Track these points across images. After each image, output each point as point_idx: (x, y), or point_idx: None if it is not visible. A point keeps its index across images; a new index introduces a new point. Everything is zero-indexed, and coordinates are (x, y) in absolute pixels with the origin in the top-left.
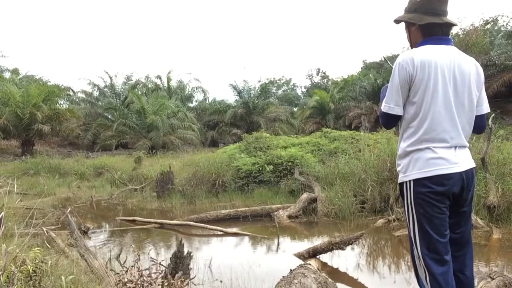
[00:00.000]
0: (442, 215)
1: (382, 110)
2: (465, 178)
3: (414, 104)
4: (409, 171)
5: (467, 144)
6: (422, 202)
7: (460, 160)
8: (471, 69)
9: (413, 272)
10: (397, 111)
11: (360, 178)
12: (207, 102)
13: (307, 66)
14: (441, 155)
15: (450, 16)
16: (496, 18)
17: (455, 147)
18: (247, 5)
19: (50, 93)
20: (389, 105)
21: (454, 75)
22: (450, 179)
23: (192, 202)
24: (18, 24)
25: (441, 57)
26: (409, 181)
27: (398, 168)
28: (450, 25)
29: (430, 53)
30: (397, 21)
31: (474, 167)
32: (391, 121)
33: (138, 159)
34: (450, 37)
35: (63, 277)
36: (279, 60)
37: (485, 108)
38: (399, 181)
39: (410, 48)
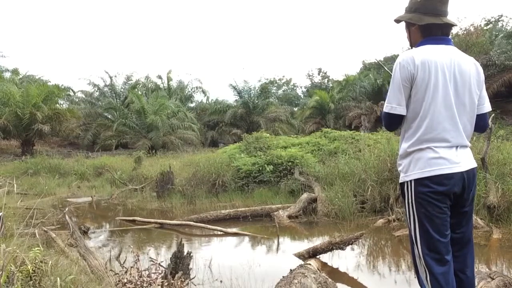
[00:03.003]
0: (443, 215)
1: (384, 110)
2: (466, 178)
3: (415, 104)
4: (410, 171)
5: (469, 144)
6: (423, 202)
7: (461, 160)
8: (471, 68)
9: (413, 272)
10: (400, 110)
11: (360, 178)
12: (207, 102)
13: (307, 66)
14: (442, 154)
15: (450, 16)
16: (498, 19)
17: (456, 146)
18: (247, 5)
19: (50, 93)
20: (391, 105)
21: (454, 75)
22: (451, 179)
23: (192, 202)
24: (18, 24)
25: (441, 57)
26: (410, 181)
27: (399, 168)
28: (450, 25)
29: (431, 53)
30: (397, 21)
31: (476, 167)
32: (395, 122)
33: (138, 159)
34: (450, 37)
35: (58, 279)
36: (279, 60)
37: (486, 107)
38: (400, 181)
39: (410, 47)
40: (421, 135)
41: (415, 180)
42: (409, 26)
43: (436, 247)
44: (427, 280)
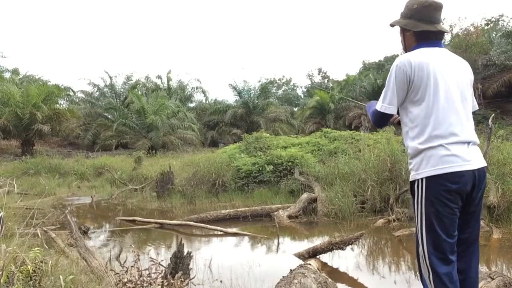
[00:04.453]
0: (452, 216)
1: (378, 109)
2: (477, 176)
3: (417, 102)
4: (422, 169)
5: (478, 141)
6: (434, 201)
7: (473, 158)
8: (465, 68)
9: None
10: (392, 110)
11: (360, 178)
12: (207, 102)
13: (307, 66)
14: (454, 152)
15: (451, 17)
16: (499, 19)
17: (468, 143)
18: (246, 5)
19: (50, 93)
20: (385, 105)
21: (453, 73)
22: (462, 177)
23: (192, 202)
24: (18, 24)
25: (437, 58)
26: (421, 178)
27: (410, 167)
28: (443, 32)
29: (427, 54)
30: (392, 25)
31: (486, 166)
32: (384, 121)
33: (138, 159)
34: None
35: (60, 277)
36: (279, 60)
37: (475, 105)
38: (410, 179)
39: (403, 51)
40: (431, 132)
41: (427, 178)
42: (404, 31)
43: (442, 247)
44: (430, 280)
